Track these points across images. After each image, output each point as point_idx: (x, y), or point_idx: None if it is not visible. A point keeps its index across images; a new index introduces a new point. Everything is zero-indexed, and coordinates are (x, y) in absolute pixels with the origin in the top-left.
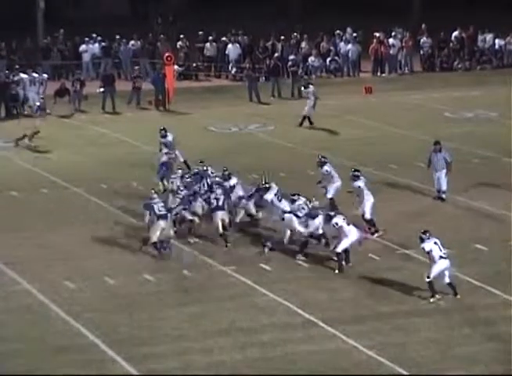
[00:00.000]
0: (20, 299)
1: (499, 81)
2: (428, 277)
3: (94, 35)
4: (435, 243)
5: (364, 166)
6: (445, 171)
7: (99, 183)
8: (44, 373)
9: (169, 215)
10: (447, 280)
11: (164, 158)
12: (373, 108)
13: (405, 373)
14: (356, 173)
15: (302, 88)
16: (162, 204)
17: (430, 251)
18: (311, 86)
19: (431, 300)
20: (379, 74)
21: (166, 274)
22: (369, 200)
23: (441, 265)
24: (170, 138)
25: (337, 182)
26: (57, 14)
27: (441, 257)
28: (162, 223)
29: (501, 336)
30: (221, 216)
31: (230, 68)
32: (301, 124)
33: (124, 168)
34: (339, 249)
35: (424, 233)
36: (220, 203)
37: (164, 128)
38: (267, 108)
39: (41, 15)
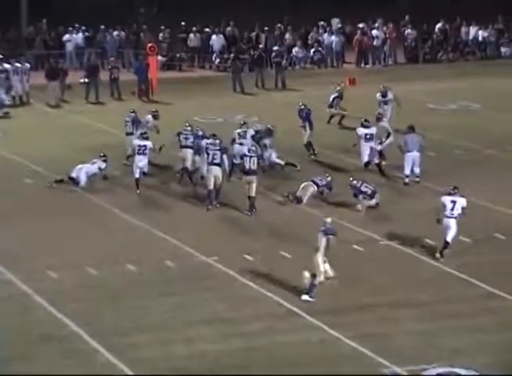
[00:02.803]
0: (2, 289)
1: (483, 73)
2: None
3: (77, 25)
4: (452, 201)
5: (350, 157)
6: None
7: None
8: (27, 362)
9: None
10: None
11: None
12: (356, 99)
13: (387, 363)
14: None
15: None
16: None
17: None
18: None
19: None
20: (363, 65)
21: (149, 264)
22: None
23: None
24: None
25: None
26: (41, 4)
27: (447, 216)
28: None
29: (485, 328)
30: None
31: (214, 59)
32: None
33: (107, 158)
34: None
35: (453, 188)
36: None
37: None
38: (251, 99)
39: (25, 4)
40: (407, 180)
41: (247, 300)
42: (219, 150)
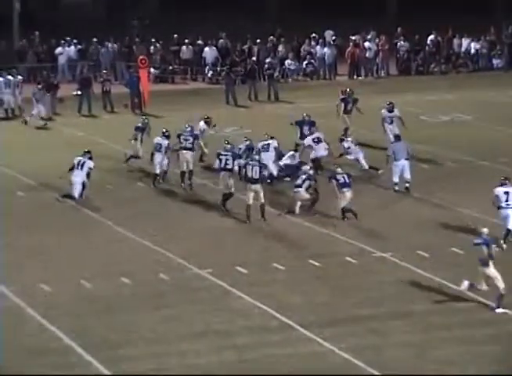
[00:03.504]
0: None
1: (475, 85)
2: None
3: (69, 38)
4: (505, 192)
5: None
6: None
7: None
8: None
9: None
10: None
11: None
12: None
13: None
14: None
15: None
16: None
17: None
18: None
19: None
20: (355, 77)
21: (142, 277)
22: None
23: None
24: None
25: (360, 154)
26: (33, 16)
27: (503, 207)
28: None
29: (476, 339)
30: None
31: (207, 71)
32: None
33: (100, 170)
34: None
35: (504, 179)
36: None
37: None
38: (244, 111)
39: (17, 17)
40: (397, 188)
41: (240, 312)
42: (231, 155)
